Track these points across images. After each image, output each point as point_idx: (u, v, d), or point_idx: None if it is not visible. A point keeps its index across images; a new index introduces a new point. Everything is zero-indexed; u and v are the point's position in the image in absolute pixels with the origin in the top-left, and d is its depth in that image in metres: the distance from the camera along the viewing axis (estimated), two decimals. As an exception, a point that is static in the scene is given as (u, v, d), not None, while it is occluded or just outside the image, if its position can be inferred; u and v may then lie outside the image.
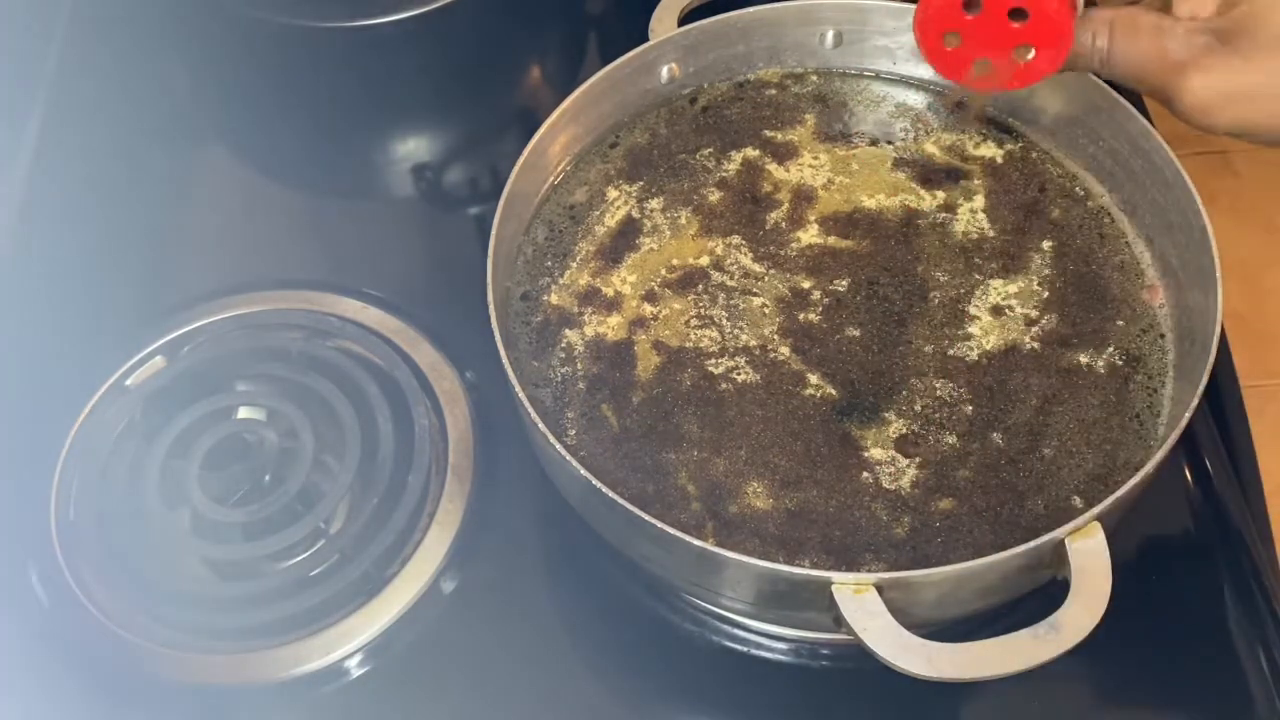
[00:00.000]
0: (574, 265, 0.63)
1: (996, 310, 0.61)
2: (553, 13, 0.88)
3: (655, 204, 0.65)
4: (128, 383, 0.68)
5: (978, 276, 0.62)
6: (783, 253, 0.63)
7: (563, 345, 0.60)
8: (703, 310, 0.61)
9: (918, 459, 0.56)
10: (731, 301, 0.61)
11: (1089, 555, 0.48)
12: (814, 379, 0.59)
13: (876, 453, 0.56)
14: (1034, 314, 0.60)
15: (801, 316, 0.61)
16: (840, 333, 0.60)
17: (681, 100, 0.69)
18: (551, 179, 0.66)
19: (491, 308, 0.55)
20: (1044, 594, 0.51)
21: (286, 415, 0.64)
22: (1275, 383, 1.52)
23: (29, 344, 0.71)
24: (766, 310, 0.61)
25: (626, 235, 0.64)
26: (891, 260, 0.62)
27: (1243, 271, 1.61)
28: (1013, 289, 0.61)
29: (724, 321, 0.61)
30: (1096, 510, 0.48)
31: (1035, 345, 0.59)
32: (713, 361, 0.59)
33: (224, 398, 0.65)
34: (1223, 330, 0.55)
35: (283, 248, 0.76)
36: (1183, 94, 0.52)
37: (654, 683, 0.60)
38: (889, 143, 0.67)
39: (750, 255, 0.63)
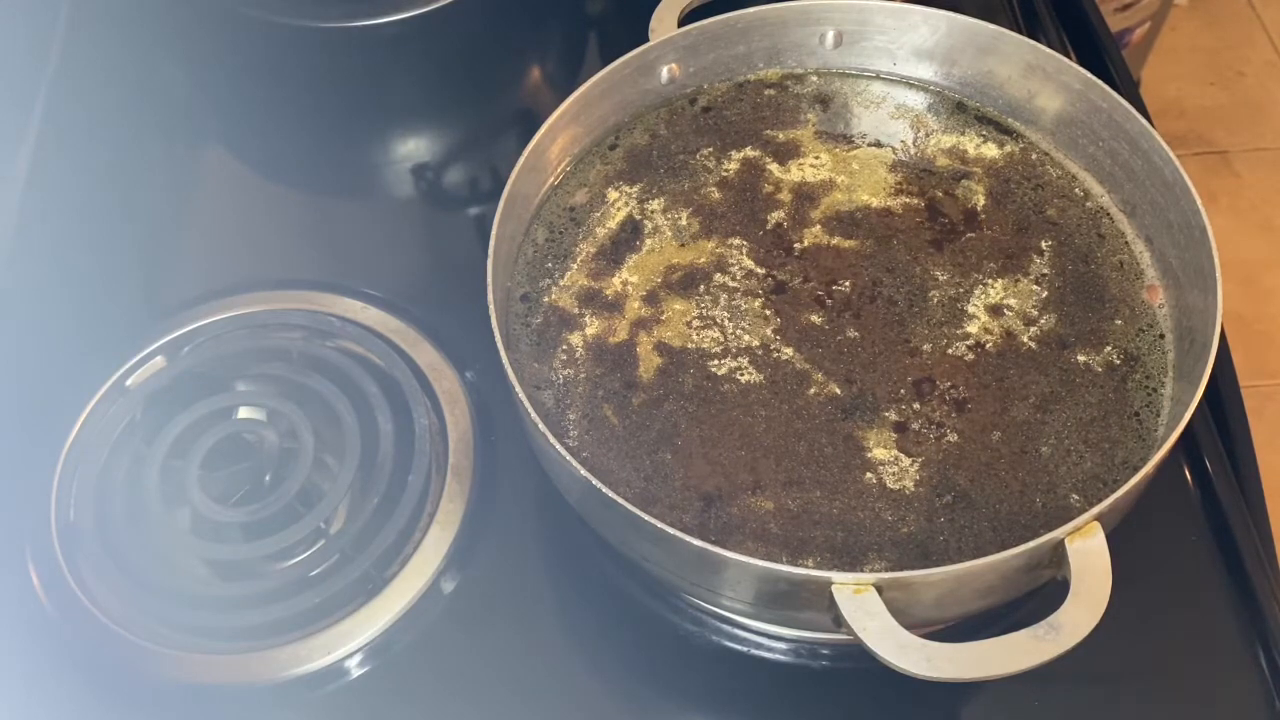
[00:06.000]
0: (574, 266, 0.63)
1: (995, 310, 0.61)
2: (553, 13, 0.88)
3: (656, 205, 0.65)
4: (128, 383, 0.68)
5: (977, 276, 0.62)
6: (784, 253, 0.63)
7: (564, 347, 0.60)
8: (704, 311, 0.61)
9: (920, 459, 0.56)
10: (733, 302, 0.61)
11: (1089, 555, 0.48)
12: (817, 379, 0.59)
13: (879, 453, 0.56)
14: (1033, 313, 0.61)
15: (803, 317, 0.61)
16: (842, 333, 0.60)
17: (681, 100, 0.69)
18: (551, 180, 0.66)
19: (492, 308, 0.55)
20: (1044, 594, 0.51)
21: (286, 415, 0.64)
22: (1275, 383, 1.53)
23: (29, 344, 0.71)
24: (768, 311, 0.61)
25: (627, 236, 0.64)
26: (893, 260, 0.63)
27: (1243, 271, 1.61)
28: (1012, 288, 0.61)
29: (726, 322, 0.61)
30: (1096, 510, 0.48)
31: (1034, 345, 0.59)
32: (715, 362, 0.59)
33: (224, 398, 0.65)
34: (1222, 330, 0.55)
35: (283, 248, 0.76)
36: None
37: (654, 683, 0.60)
38: (889, 143, 0.67)
39: (751, 256, 0.63)
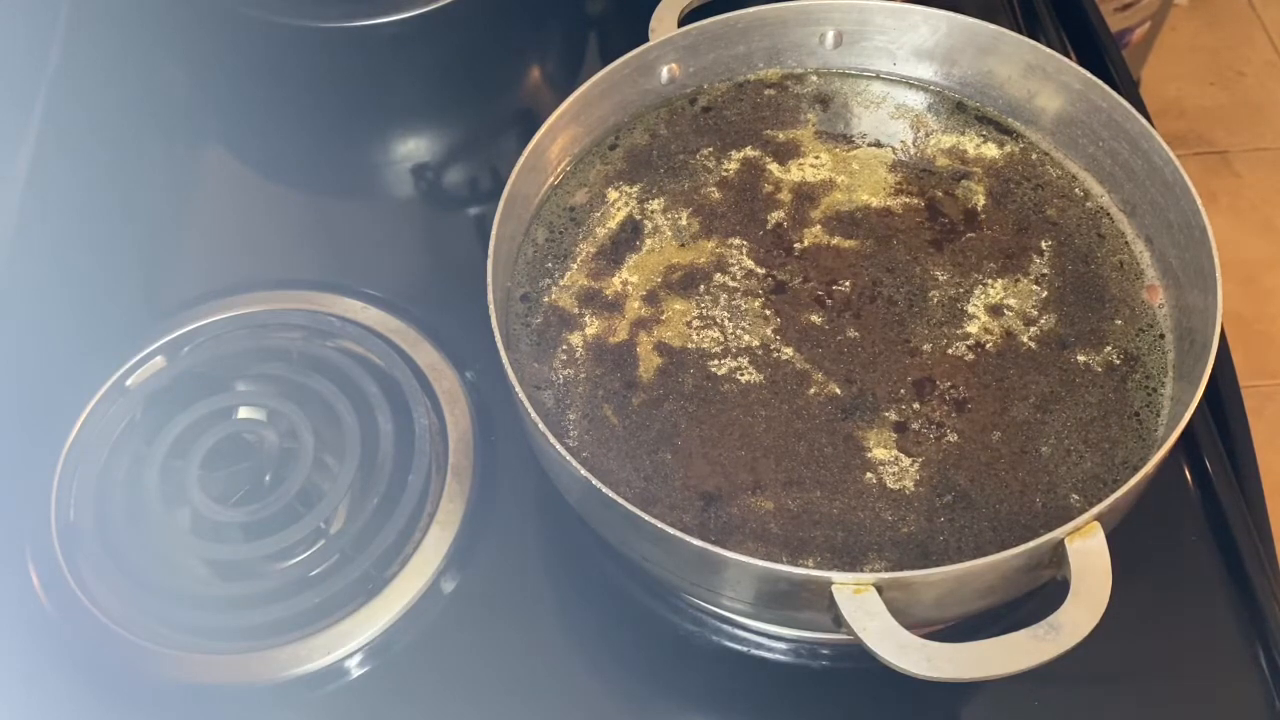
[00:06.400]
0: (574, 266, 0.63)
1: (995, 309, 0.61)
2: (553, 13, 0.88)
3: (656, 205, 0.65)
4: (128, 383, 0.68)
5: (977, 276, 0.62)
6: (784, 253, 0.63)
7: (564, 347, 0.60)
8: (704, 311, 0.61)
9: (920, 458, 0.56)
10: (734, 302, 0.61)
11: (1089, 555, 0.48)
12: (817, 379, 0.59)
13: (880, 453, 0.56)
14: (1033, 313, 0.61)
15: (803, 317, 0.61)
16: (842, 333, 0.60)
17: (681, 100, 0.69)
18: (551, 180, 0.66)
19: (492, 308, 0.55)
20: (1044, 594, 0.51)
21: (286, 415, 0.64)
22: (1275, 383, 1.53)
23: (29, 344, 0.71)
24: (768, 311, 0.61)
25: (627, 236, 0.64)
26: (893, 260, 0.63)
27: (1243, 271, 1.61)
28: (1012, 288, 0.61)
29: (726, 322, 0.61)
30: (1095, 510, 0.48)
31: (1034, 345, 0.59)
32: (715, 362, 0.59)
33: (224, 398, 0.65)
34: (1222, 330, 0.55)
35: (283, 248, 0.76)
36: None
37: (654, 683, 0.60)
38: (889, 143, 0.67)
39: (751, 256, 0.63)
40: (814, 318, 0.61)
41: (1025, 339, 0.60)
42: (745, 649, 0.60)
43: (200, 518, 0.62)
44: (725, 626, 0.60)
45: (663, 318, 0.61)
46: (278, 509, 0.61)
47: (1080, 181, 0.65)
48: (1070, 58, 0.66)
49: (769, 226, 0.64)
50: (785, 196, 0.65)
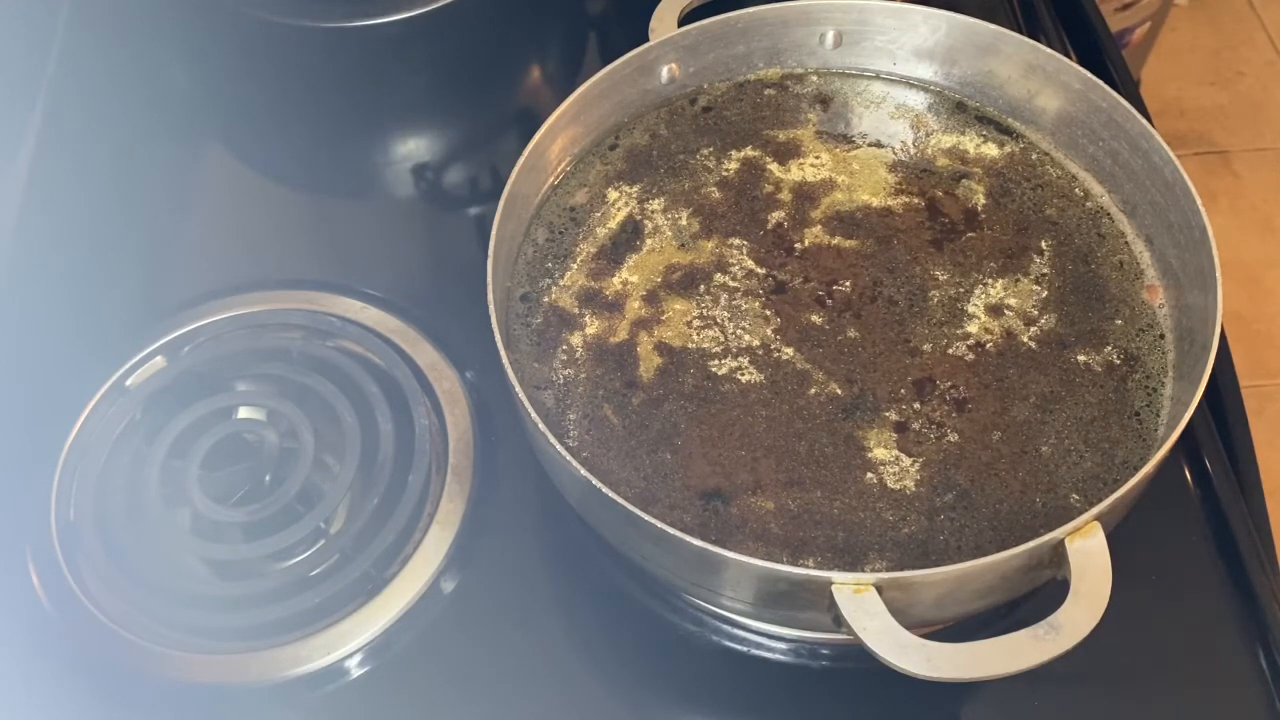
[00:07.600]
0: (574, 266, 0.63)
1: (995, 309, 0.61)
2: (553, 13, 0.88)
3: (656, 205, 0.65)
4: (128, 383, 0.68)
5: (977, 276, 0.62)
6: (785, 253, 0.63)
7: (564, 347, 0.60)
8: (705, 311, 0.61)
9: (921, 458, 0.56)
10: (734, 302, 0.61)
11: (1089, 555, 0.48)
12: (818, 379, 0.59)
13: (880, 453, 0.56)
14: (1033, 313, 0.61)
15: (804, 317, 0.61)
16: (842, 333, 0.60)
17: (681, 100, 0.69)
18: (551, 180, 0.66)
19: (492, 308, 0.55)
20: (1044, 594, 0.51)
21: (286, 415, 0.64)
22: (1275, 383, 1.53)
23: (29, 344, 0.71)
24: (768, 311, 0.61)
25: (627, 236, 0.64)
26: (893, 260, 0.63)
27: (1243, 271, 1.61)
28: (1012, 288, 0.61)
29: (726, 322, 0.61)
30: (1096, 510, 0.48)
31: (1034, 344, 0.59)
32: (715, 362, 0.59)
33: (224, 398, 0.65)
34: (1222, 330, 0.55)
35: (283, 248, 0.76)
36: None
37: (654, 683, 0.60)
38: (889, 143, 0.67)
39: (752, 256, 0.63)
40: (814, 318, 0.61)
41: (1025, 339, 0.60)
42: (745, 649, 0.60)
43: (200, 518, 0.62)
44: (725, 626, 0.60)
45: (663, 318, 0.61)
46: (278, 509, 0.61)
47: (1080, 181, 0.65)
48: (1070, 58, 0.66)
49: (769, 226, 0.64)
50: (785, 196, 0.65)
